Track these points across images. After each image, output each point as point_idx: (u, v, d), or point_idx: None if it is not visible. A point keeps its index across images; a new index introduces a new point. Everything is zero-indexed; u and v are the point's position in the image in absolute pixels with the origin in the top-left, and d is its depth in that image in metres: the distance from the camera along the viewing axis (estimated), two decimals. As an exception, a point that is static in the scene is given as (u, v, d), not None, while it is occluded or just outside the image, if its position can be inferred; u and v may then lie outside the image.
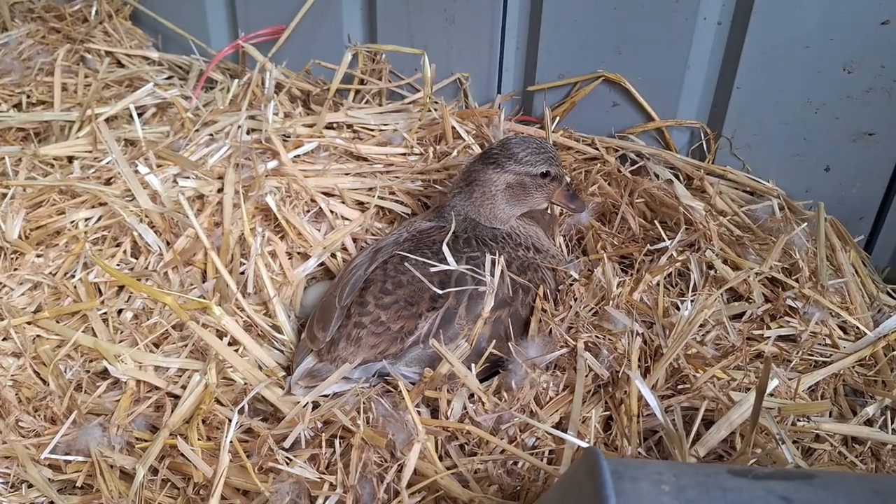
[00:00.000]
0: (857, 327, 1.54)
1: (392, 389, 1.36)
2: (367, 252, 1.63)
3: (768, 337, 1.49)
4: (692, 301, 1.51)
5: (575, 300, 1.55)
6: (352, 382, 1.41)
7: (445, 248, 1.48)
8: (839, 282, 1.63)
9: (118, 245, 1.79)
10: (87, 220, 1.83)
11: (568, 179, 1.70)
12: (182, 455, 1.33)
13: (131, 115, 2.07)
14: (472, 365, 1.38)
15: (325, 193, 1.94)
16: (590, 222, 1.83)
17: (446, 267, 1.45)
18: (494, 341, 1.44)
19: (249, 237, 1.67)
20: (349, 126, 2.15)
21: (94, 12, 2.52)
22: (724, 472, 0.91)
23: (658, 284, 1.57)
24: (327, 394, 1.41)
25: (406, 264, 1.51)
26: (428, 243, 1.59)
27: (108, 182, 1.91)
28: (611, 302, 1.51)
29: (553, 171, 1.66)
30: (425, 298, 1.47)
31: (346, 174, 1.99)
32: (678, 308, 1.52)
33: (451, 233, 1.58)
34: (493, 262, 1.43)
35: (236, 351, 1.53)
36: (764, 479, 0.89)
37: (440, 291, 1.45)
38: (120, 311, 1.65)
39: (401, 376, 1.38)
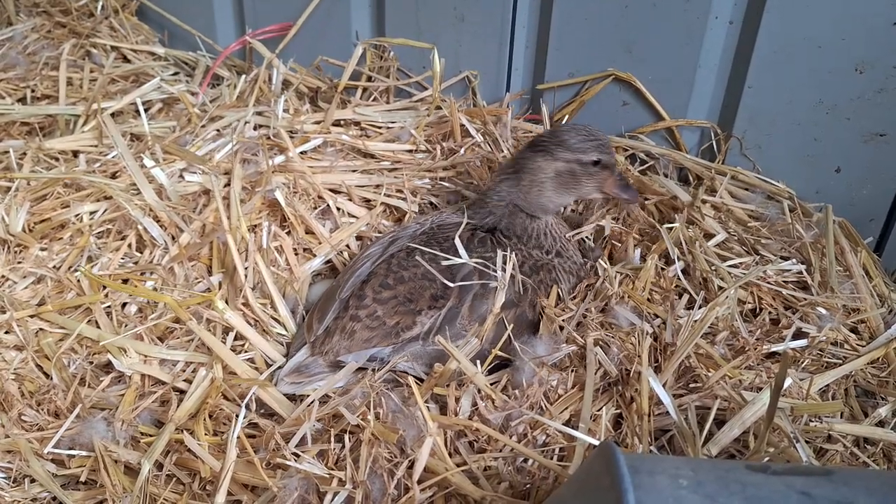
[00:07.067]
0: (869, 329, 1.53)
1: (401, 383, 1.35)
2: (383, 241, 1.62)
3: (781, 338, 1.48)
4: (701, 305, 1.50)
5: (584, 298, 1.54)
6: (341, 378, 1.39)
7: (457, 241, 1.47)
8: (852, 295, 1.61)
9: (123, 238, 1.77)
10: (91, 213, 1.81)
11: (620, 168, 1.65)
12: (188, 450, 1.31)
13: (137, 110, 2.06)
14: (479, 363, 1.36)
15: (332, 190, 1.92)
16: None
17: (458, 260, 1.44)
18: (499, 342, 1.40)
19: (246, 235, 1.66)
20: (356, 123, 2.14)
21: (100, 7, 2.50)
22: (741, 468, 0.90)
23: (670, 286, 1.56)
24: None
25: (418, 258, 1.50)
26: (440, 239, 1.57)
27: (113, 176, 1.90)
28: (614, 299, 1.49)
29: (604, 159, 1.60)
30: (425, 296, 1.46)
31: (353, 171, 1.98)
32: (688, 308, 1.51)
33: (462, 226, 1.56)
34: (504, 259, 1.42)
35: (242, 345, 1.52)
36: (783, 475, 0.87)
37: (451, 284, 1.44)
38: (124, 305, 1.63)
39: (402, 364, 1.38)
